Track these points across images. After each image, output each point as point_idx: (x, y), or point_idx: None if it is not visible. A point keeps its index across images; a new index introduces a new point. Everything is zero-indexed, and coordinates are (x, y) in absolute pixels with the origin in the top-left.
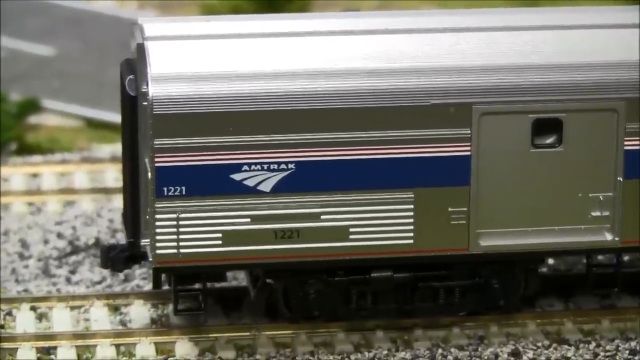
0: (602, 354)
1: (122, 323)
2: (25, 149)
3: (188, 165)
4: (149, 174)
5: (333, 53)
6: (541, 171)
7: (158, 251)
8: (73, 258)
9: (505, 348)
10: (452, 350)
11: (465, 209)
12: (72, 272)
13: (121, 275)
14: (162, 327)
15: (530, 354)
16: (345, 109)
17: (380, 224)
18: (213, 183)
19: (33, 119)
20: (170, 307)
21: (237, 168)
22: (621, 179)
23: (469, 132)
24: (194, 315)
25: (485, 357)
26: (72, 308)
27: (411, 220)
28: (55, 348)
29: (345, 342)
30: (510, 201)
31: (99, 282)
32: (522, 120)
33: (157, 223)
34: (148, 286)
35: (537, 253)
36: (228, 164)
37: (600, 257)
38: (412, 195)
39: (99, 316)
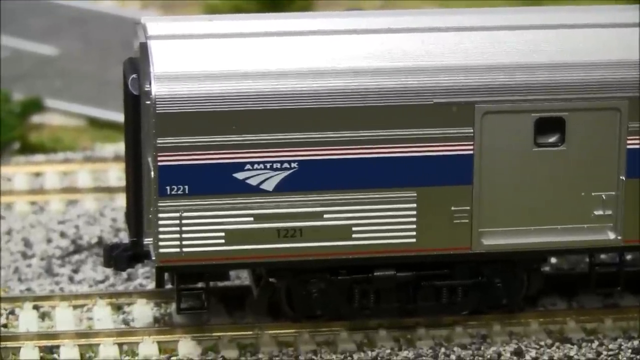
0: (604, 352)
1: (125, 322)
2: (28, 148)
3: (191, 164)
4: (152, 172)
5: (336, 52)
6: (544, 170)
7: (161, 250)
8: (76, 257)
9: (508, 347)
10: (455, 349)
11: (467, 208)
12: (75, 271)
13: (124, 274)
14: (165, 326)
15: (533, 353)
16: (348, 108)
17: (383, 223)
18: (216, 182)
19: (36, 119)
20: (173, 306)
21: (240, 167)
22: (624, 178)
23: (472, 131)
24: (196, 314)
25: (488, 356)
26: (75, 307)
27: (414, 219)
28: (58, 347)
29: (348, 341)
30: (512, 200)
31: (102, 281)
32: (524, 119)
33: (160, 222)
34: (151, 285)
35: (539, 252)
36: (231, 162)
37: (602, 256)
38: (415, 194)
39: (102, 315)
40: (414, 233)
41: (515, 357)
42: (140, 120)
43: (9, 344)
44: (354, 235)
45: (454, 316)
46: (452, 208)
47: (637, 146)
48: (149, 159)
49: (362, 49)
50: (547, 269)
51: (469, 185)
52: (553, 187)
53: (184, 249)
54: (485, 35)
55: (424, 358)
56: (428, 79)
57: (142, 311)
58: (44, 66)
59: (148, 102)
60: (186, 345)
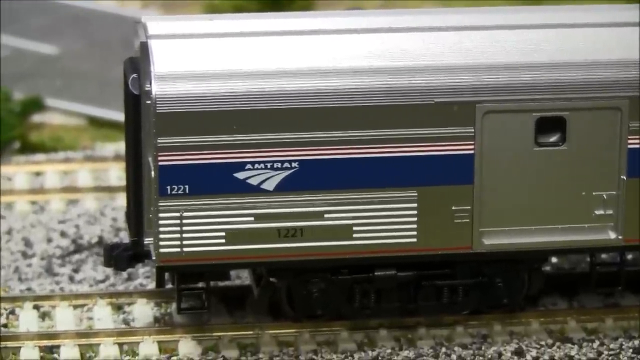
0: (605, 352)
1: (125, 322)
2: (29, 148)
3: (191, 163)
4: (152, 172)
5: (337, 51)
6: (545, 170)
7: (161, 250)
8: (76, 257)
9: (508, 347)
10: (456, 349)
11: (468, 207)
12: (75, 270)
13: (124, 274)
14: (166, 326)
15: (534, 353)
16: (349, 107)
17: (383, 223)
18: (216, 182)
19: (36, 118)
20: (174, 305)
21: (241, 167)
22: (624, 178)
23: (473, 130)
24: (197, 314)
25: (489, 356)
26: (75, 307)
27: (415, 218)
28: (58, 347)
29: (349, 341)
30: (513, 200)
31: (102, 281)
32: (525, 119)
33: (161, 222)
34: (151, 285)
35: (540, 252)
36: (231, 162)
37: (603, 256)
38: (416, 194)
39: (102, 315)
40: (415, 233)
41: (515, 357)
42: (140, 119)
43: (9, 343)
44: (354, 235)
45: (455, 316)
46: (453, 208)
47: (637, 146)
48: (150, 159)
49: (363, 49)
50: (547, 268)
51: (469, 185)
52: (554, 186)
53: (185, 249)
54: (486, 35)
55: (424, 358)
56: (429, 78)
57: (143, 311)
58: (45, 65)
59: (148, 102)
60: (186, 345)
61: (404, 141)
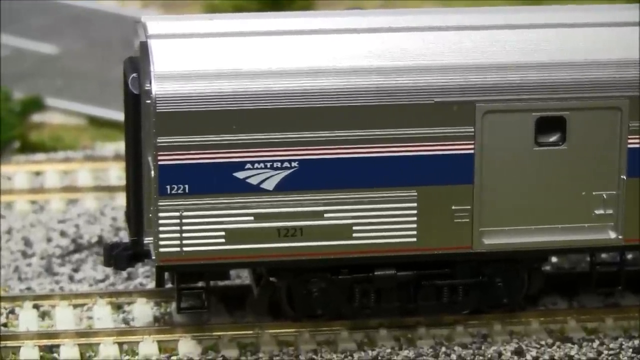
0: (605, 352)
1: (125, 321)
2: (29, 147)
3: (191, 163)
4: (152, 172)
5: (337, 51)
6: (544, 169)
7: (161, 249)
8: (76, 256)
9: (508, 346)
10: (456, 348)
11: (468, 207)
12: (75, 270)
13: (124, 274)
14: (165, 326)
15: (534, 353)
16: (349, 106)
17: (383, 222)
18: (216, 181)
19: (36, 117)
20: (173, 305)
21: (240, 166)
22: (624, 177)
23: (473, 130)
24: (197, 314)
25: (489, 356)
26: (75, 306)
27: (414, 218)
28: (58, 346)
29: (349, 341)
30: (513, 199)
31: (102, 281)
32: (525, 119)
33: (160, 221)
34: (151, 284)
35: (540, 251)
36: (231, 162)
37: (603, 256)
38: (416, 194)
39: (102, 314)
40: (415, 232)
41: (515, 357)
42: (140, 119)
43: (9, 343)
44: (354, 235)
45: (455, 315)
46: (453, 207)
47: (637, 145)
48: (149, 158)
49: (362, 48)
50: (547, 268)
51: (469, 185)
52: (554, 186)
53: (184, 248)
54: (486, 34)
55: (424, 357)
56: (429, 78)
57: (142, 310)
58: (45, 65)
59: (148, 101)
60: (186, 345)
61: (404, 141)
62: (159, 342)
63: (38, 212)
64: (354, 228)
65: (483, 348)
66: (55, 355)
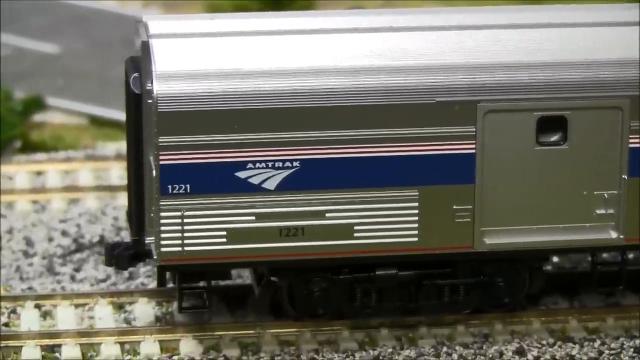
0: (606, 351)
1: (127, 321)
2: (30, 147)
3: (193, 163)
4: (154, 171)
5: (338, 51)
6: (546, 169)
7: (163, 249)
8: (77, 256)
9: (509, 346)
10: (457, 348)
11: (470, 206)
12: (77, 270)
13: (126, 273)
14: (167, 325)
15: (535, 352)
16: (350, 106)
17: (385, 222)
18: (218, 181)
19: (38, 117)
20: (175, 305)
21: (242, 166)
22: (625, 177)
23: (474, 129)
24: (198, 313)
25: (490, 355)
26: (77, 306)
27: (416, 218)
28: (59, 346)
29: (350, 340)
30: (515, 199)
31: (104, 280)
32: (526, 118)
33: (162, 221)
34: (152, 284)
35: (541, 251)
36: (233, 161)
37: (605, 255)
38: (417, 193)
39: (104, 314)
40: (416, 232)
41: (517, 356)
42: (141, 119)
43: (11, 342)
44: (355, 234)
45: (456, 315)
46: (454, 207)
47: (638, 145)
48: (151, 158)
49: (363, 48)
50: (549, 267)
51: (471, 184)
52: (555, 186)
53: (186, 248)
54: (487, 34)
55: (425, 357)
56: (430, 77)
57: (144, 310)
58: (46, 64)
59: (150, 101)
60: (188, 344)
61: (405, 140)
62: (160, 341)
63: (39, 212)
64: (355, 228)
65: (484, 348)
66: (57, 355)
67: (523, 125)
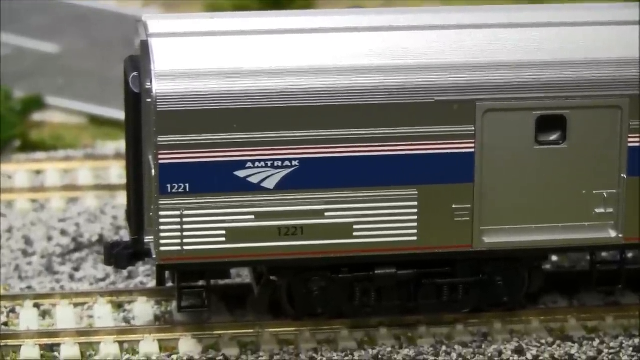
0: (605, 351)
1: (126, 320)
2: (29, 146)
3: (192, 162)
4: (153, 170)
5: (337, 50)
6: (545, 168)
7: (162, 248)
8: (76, 255)
9: (509, 345)
10: (456, 347)
11: (469, 205)
12: (76, 269)
13: (125, 273)
14: (166, 324)
15: (534, 351)
16: (349, 105)
17: (384, 221)
18: (217, 180)
19: (37, 116)
20: (174, 304)
21: (241, 165)
22: (625, 176)
23: (473, 129)
24: (197, 313)
25: (489, 354)
26: (76, 305)
27: (415, 217)
28: (58, 345)
29: (349, 339)
30: (514, 198)
31: (103, 279)
32: (526, 117)
33: (161, 220)
34: (152, 283)
35: (540, 250)
36: (232, 161)
37: (604, 254)
38: (416, 192)
39: (103, 313)
40: (415, 231)
41: (516, 355)
42: (141, 118)
43: (10, 342)
44: (355, 233)
45: (455, 314)
46: (453, 206)
47: (638, 144)
48: (150, 157)
49: (363, 47)
50: (548, 266)
51: (470, 183)
52: (554, 185)
53: (185, 247)
54: (487, 33)
55: (425, 356)
56: (429, 76)
57: (143, 309)
58: (45, 64)
59: (149, 100)
60: (187, 344)
61: (404, 139)
62: (159, 340)
63: (38, 211)
64: (355, 227)
65: (483, 347)
66: (56, 354)
67: (522, 125)
